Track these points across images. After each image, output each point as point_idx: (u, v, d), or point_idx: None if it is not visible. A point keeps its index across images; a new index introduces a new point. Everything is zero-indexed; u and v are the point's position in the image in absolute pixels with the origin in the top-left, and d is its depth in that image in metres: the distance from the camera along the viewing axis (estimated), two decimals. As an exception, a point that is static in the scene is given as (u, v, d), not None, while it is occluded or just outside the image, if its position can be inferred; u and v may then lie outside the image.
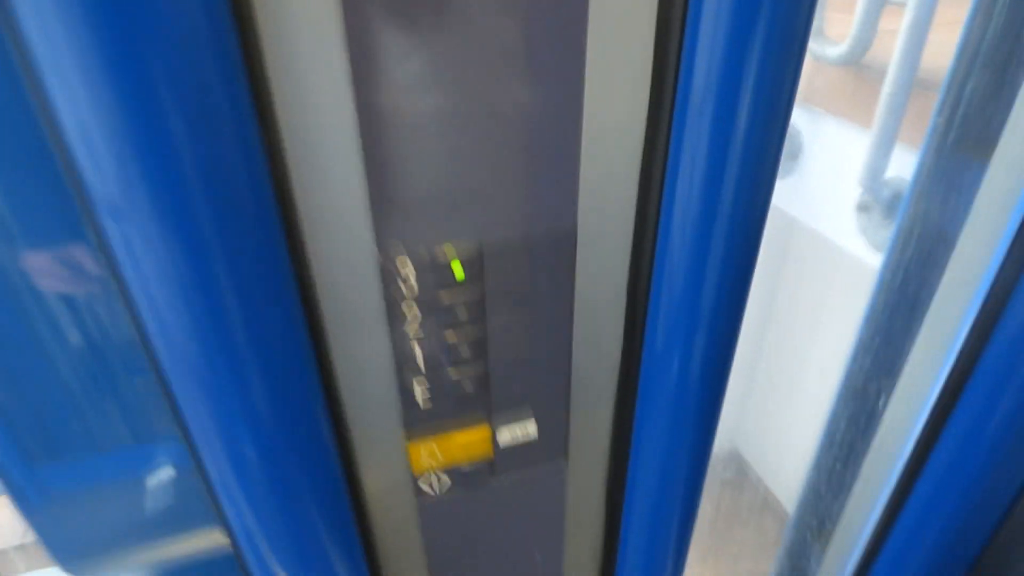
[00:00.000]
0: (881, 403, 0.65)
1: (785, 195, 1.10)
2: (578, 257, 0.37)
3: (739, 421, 1.57)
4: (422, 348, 0.36)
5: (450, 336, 0.36)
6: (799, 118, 1.06)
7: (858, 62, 1.01)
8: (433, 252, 0.34)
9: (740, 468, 1.54)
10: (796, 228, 1.25)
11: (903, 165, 0.93)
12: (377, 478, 0.41)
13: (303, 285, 0.32)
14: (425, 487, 0.43)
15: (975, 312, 0.48)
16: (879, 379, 0.64)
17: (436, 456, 0.41)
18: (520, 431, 0.43)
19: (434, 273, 0.34)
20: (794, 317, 1.39)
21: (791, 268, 1.37)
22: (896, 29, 0.90)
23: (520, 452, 0.44)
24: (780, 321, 1.46)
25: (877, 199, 0.89)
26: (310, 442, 0.36)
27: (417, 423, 0.39)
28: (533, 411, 0.42)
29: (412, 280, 0.34)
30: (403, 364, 0.36)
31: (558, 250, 0.36)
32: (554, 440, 0.44)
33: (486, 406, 0.40)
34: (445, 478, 0.43)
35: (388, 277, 0.34)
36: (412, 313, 0.35)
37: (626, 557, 0.54)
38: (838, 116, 1.02)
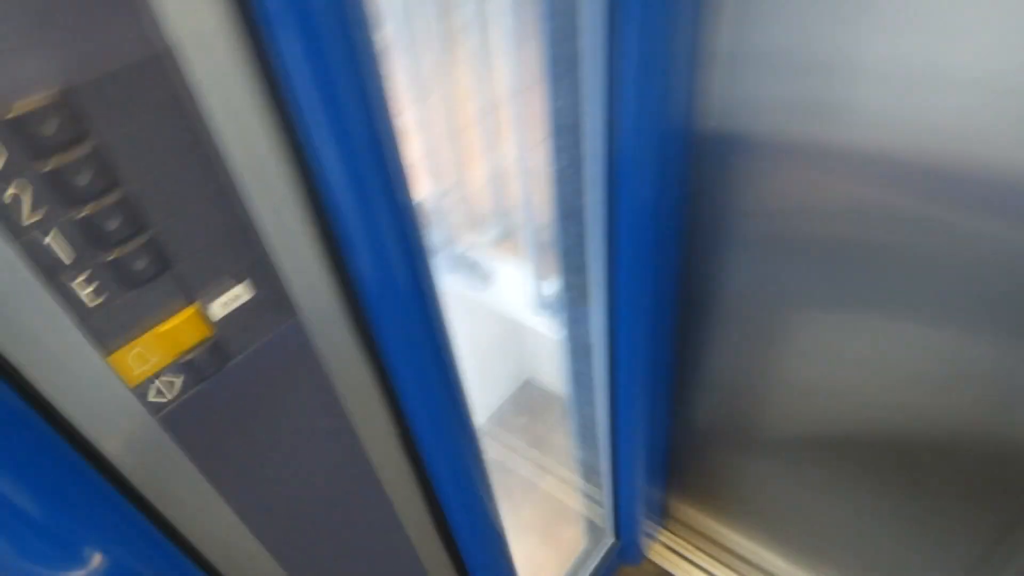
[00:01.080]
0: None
1: (493, 300, 1.54)
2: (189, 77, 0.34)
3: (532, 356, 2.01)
4: (45, 234, 0.32)
5: (81, 209, 0.32)
6: (484, 258, 1.45)
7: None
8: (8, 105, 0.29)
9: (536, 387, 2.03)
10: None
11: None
12: (92, 411, 0.37)
13: None
14: (154, 396, 0.39)
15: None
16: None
17: (147, 357, 0.38)
18: (227, 296, 0.41)
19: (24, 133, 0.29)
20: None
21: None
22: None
23: (241, 319, 0.42)
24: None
25: (542, 311, 1.33)
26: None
27: (102, 328, 0.35)
28: (231, 267, 0.41)
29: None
30: (35, 261, 0.32)
31: (158, 74, 0.33)
32: (273, 295, 0.44)
33: (177, 280, 0.38)
34: (175, 379, 0.40)
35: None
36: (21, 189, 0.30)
37: (406, 389, 0.57)
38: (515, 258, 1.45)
